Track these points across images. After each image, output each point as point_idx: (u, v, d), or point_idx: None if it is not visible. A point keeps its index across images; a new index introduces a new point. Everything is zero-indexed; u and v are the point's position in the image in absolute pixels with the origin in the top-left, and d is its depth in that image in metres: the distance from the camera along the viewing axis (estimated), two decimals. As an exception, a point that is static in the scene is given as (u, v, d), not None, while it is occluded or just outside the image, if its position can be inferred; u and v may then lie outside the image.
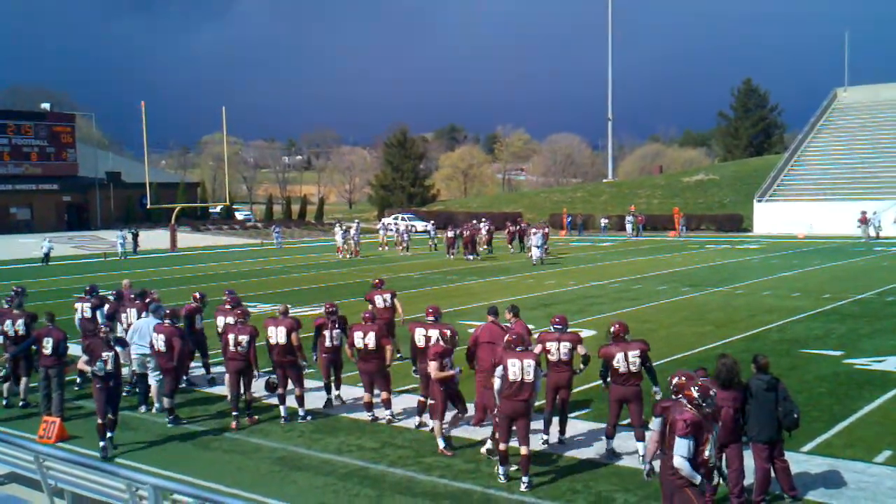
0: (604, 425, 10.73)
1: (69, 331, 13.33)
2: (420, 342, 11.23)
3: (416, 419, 11.43)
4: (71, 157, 65.75)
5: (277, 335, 11.70)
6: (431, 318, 11.38)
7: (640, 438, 9.60)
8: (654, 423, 7.49)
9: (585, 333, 15.87)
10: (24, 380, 13.00)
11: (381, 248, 46.96)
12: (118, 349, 10.88)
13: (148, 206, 55.48)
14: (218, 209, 74.05)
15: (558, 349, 10.23)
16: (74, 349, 14.32)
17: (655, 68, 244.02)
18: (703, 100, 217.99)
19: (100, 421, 10.47)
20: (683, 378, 7.46)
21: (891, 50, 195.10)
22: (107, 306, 14.67)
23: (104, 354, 10.47)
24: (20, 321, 13.13)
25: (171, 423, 11.78)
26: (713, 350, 15.27)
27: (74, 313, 14.92)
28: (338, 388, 12.71)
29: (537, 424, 10.34)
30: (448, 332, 10.51)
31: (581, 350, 10.31)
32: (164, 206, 57.39)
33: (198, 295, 14.61)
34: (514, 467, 9.35)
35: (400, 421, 11.66)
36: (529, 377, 9.00)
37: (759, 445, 8.28)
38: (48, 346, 12.05)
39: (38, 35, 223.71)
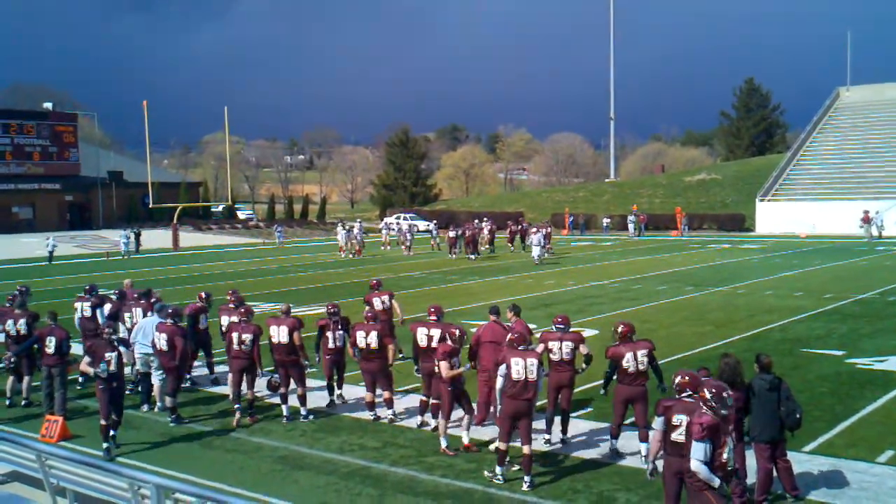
0: (606, 425, 10.74)
1: (70, 330, 13.33)
2: (422, 342, 11.23)
3: (418, 418, 11.44)
4: (73, 157, 65.81)
5: (279, 334, 11.71)
6: (434, 317, 11.39)
7: (644, 439, 9.59)
8: (657, 423, 7.49)
9: (586, 333, 15.89)
10: (26, 378, 13.01)
11: (383, 248, 46.98)
12: (122, 349, 10.89)
13: (150, 206, 55.54)
14: (220, 209, 74.09)
15: (560, 349, 10.23)
16: (76, 348, 14.35)
17: (657, 67, 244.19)
18: (705, 99, 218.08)
19: (103, 422, 10.44)
20: (686, 378, 7.47)
21: (893, 49, 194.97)
22: (109, 305, 14.66)
23: (107, 355, 10.44)
24: (22, 321, 13.15)
25: (174, 422, 11.80)
26: (714, 350, 15.28)
27: (74, 313, 14.92)
28: (340, 387, 12.71)
29: (539, 424, 10.35)
30: (457, 332, 10.47)
31: (583, 349, 10.31)
32: (166, 206, 57.46)
33: (203, 294, 14.63)
34: (515, 467, 9.36)
35: (402, 420, 11.67)
36: (532, 376, 9.01)
37: (762, 445, 8.28)
38: (51, 345, 12.06)
39: (40, 34, 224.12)
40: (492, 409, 10.29)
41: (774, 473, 8.41)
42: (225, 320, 13.37)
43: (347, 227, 43.62)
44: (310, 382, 12.42)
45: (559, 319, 10.54)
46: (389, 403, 11.68)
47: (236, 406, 11.83)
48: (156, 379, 12.53)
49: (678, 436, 7.24)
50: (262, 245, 53.56)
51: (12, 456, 8.80)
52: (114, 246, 49.40)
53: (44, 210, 63.97)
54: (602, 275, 29.87)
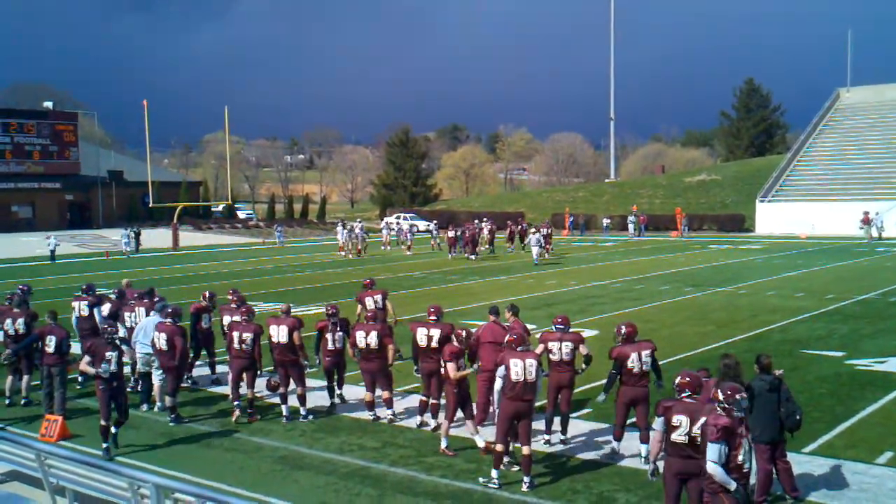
0: (606, 425, 10.74)
1: (69, 330, 13.33)
2: (422, 342, 11.21)
3: (418, 418, 11.43)
4: (73, 156, 65.81)
5: (279, 334, 11.71)
6: (433, 317, 11.38)
7: (645, 441, 9.58)
8: (657, 424, 7.48)
9: (587, 333, 15.88)
10: (25, 378, 13.00)
11: (383, 248, 46.99)
12: (124, 348, 10.86)
13: (150, 205, 55.54)
14: (220, 208, 74.09)
15: (560, 349, 10.22)
16: (76, 348, 14.33)
17: (657, 67, 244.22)
18: (706, 99, 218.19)
19: (103, 422, 10.38)
20: (687, 378, 7.46)
21: (894, 50, 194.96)
22: (108, 305, 14.62)
23: (108, 355, 10.38)
24: (20, 320, 13.13)
25: (173, 421, 11.79)
26: (716, 350, 15.27)
27: (72, 312, 14.87)
28: (340, 387, 12.69)
29: (539, 425, 10.34)
30: (463, 333, 10.42)
31: (583, 350, 10.30)
32: (166, 205, 57.47)
33: (207, 294, 14.61)
34: (515, 468, 9.35)
35: (401, 420, 11.66)
36: (532, 377, 8.99)
37: (762, 446, 8.26)
38: (51, 344, 12.04)
39: (40, 34, 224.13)
40: (491, 409, 10.26)
41: (774, 474, 8.40)
42: (227, 320, 13.36)
43: (348, 228, 43.62)
44: (309, 382, 12.42)
45: (559, 320, 10.53)
46: (389, 403, 11.67)
47: (235, 404, 11.89)
48: (156, 379, 12.53)
49: (678, 436, 7.24)
50: (262, 245, 53.56)
51: (12, 455, 8.79)
52: (114, 245, 49.41)
53: (44, 209, 63.98)
54: (603, 275, 29.87)
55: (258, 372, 12.02)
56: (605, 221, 57.94)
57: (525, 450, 8.99)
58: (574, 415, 11.15)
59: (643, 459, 9.59)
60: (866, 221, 46.23)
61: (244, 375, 11.83)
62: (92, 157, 67.22)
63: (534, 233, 36.02)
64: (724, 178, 69.90)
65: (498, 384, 9.16)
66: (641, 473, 9.29)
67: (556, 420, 10.53)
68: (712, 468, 6.51)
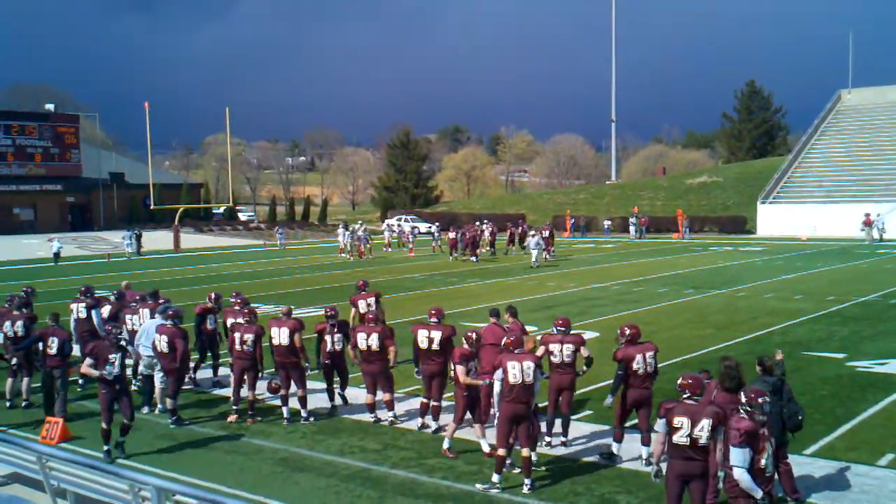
0: (607, 427, 10.74)
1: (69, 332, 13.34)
2: (423, 344, 11.22)
3: (419, 421, 11.43)
4: (75, 158, 65.85)
5: (280, 336, 11.71)
6: (434, 319, 11.38)
7: (646, 443, 9.58)
8: (659, 425, 7.49)
9: (588, 335, 15.87)
10: (26, 380, 13.02)
11: (385, 249, 47.01)
12: (130, 349, 10.83)
13: (151, 207, 55.57)
14: (221, 210, 74.13)
15: (561, 351, 10.22)
16: (75, 350, 14.33)
17: (659, 69, 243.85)
18: (707, 101, 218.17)
19: (104, 426, 10.33)
20: (689, 380, 7.47)
21: (895, 51, 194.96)
22: (107, 307, 14.59)
23: (111, 357, 10.30)
24: (19, 322, 13.13)
25: (174, 424, 11.80)
26: (715, 352, 15.26)
27: (71, 314, 14.78)
28: (343, 388, 12.65)
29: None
30: (473, 335, 10.35)
31: (584, 352, 10.30)
32: (167, 207, 57.49)
33: (213, 295, 14.60)
34: (516, 470, 9.35)
35: (402, 423, 11.66)
36: (530, 379, 8.99)
37: None
38: (53, 346, 12.04)
39: (41, 34, 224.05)
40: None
41: (775, 476, 8.40)
42: (231, 322, 13.39)
43: (350, 230, 43.65)
44: (310, 384, 12.42)
45: (560, 322, 10.53)
46: (390, 405, 11.67)
47: (234, 407, 11.95)
48: (157, 381, 12.53)
49: (680, 438, 7.24)
50: (264, 247, 53.59)
51: (13, 457, 8.81)
52: (115, 248, 49.43)
53: (45, 211, 64.02)
54: (604, 277, 29.87)
55: (260, 374, 12.04)
56: (607, 223, 57.94)
57: (525, 452, 8.99)
58: (575, 417, 11.15)
59: (644, 461, 9.59)
60: (868, 223, 46.23)
61: (246, 377, 11.86)
62: (93, 159, 67.27)
63: (533, 235, 36.03)
64: (726, 179, 69.89)
65: (496, 388, 9.14)
66: (643, 475, 9.30)
67: (557, 422, 10.52)
68: (738, 474, 6.40)
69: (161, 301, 13.86)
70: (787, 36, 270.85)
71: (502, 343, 9.54)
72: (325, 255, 44.25)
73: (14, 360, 12.87)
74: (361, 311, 14.64)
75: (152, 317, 13.28)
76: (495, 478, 9.07)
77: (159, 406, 12.49)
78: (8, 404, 13.07)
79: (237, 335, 11.86)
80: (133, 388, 12.30)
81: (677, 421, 7.27)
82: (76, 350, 13.56)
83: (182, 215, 56.61)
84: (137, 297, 14.70)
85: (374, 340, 11.45)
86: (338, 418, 12.06)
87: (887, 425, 11.07)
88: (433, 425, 11.24)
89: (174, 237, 51.25)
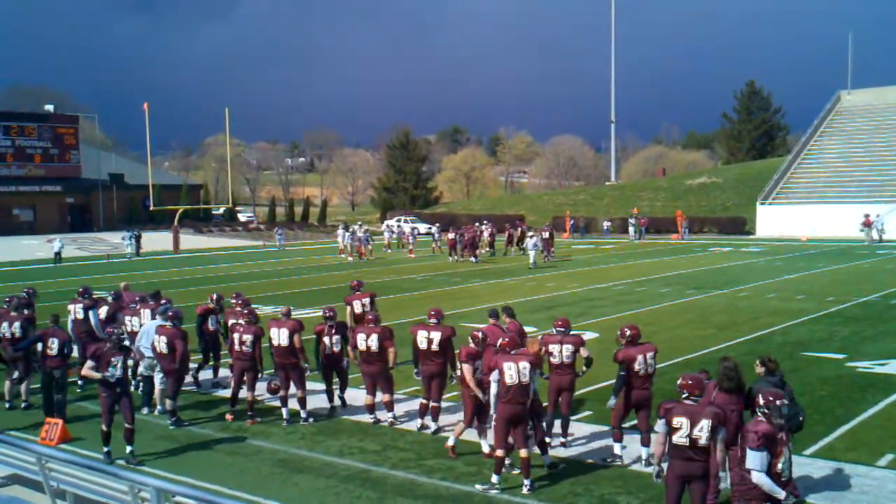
0: (606, 428, 10.72)
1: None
2: (422, 344, 11.21)
3: (419, 421, 11.42)
4: (74, 159, 65.89)
5: (280, 337, 11.70)
6: (434, 320, 11.38)
7: (646, 444, 9.57)
8: (659, 426, 7.48)
9: (588, 336, 15.87)
10: (25, 381, 13.00)
11: (385, 250, 47.01)
12: (133, 348, 10.80)
13: (151, 208, 55.60)
14: (221, 211, 74.15)
15: (561, 351, 10.21)
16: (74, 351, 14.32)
17: (658, 70, 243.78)
18: (707, 102, 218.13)
19: (104, 428, 10.29)
20: (689, 380, 7.46)
21: (894, 51, 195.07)
22: (105, 308, 14.54)
23: (113, 359, 10.23)
24: (17, 323, 13.11)
25: (174, 425, 11.79)
26: (716, 353, 15.25)
27: (69, 315, 14.72)
28: (342, 390, 12.62)
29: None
30: (480, 335, 10.28)
31: (584, 353, 10.28)
32: (167, 208, 57.52)
33: (214, 296, 14.60)
34: (515, 471, 9.34)
35: (402, 423, 11.65)
36: (526, 379, 8.97)
37: None
38: (53, 346, 12.02)
39: (40, 34, 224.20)
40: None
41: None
42: (231, 322, 13.39)
43: (350, 231, 43.65)
44: (310, 385, 12.41)
45: (559, 322, 10.52)
46: (389, 406, 11.66)
47: (232, 407, 12.02)
48: (157, 382, 12.52)
49: (679, 438, 7.24)
50: (263, 248, 53.59)
51: (12, 458, 8.80)
52: (114, 248, 49.43)
53: (44, 212, 64.04)
54: (604, 278, 29.87)
55: (259, 374, 12.04)
56: (606, 224, 57.96)
57: (523, 452, 8.98)
58: (574, 417, 11.15)
59: (645, 462, 9.58)
60: (867, 224, 46.23)
61: (245, 377, 11.87)
62: (93, 160, 67.28)
63: (531, 236, 36.04)
64: (725, 180, 69.92)
65: (493, 389, 9.12)
66: (643, 476, 9.29)
67: (557, 423, 10.52)
68: (757, 477, 6.31)
69: (163, 302, 13.83)
70: (786, 36, 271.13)
71: (497, 344, 9.53)
72: (324, 256, 44.23)
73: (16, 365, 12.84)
74: (357, 311, 14.63)
75: (153, 318, 13.25)
76: (494, 478, 9.05)
77: (159, 407, 12.48)
78: (7, 405, 13.06)
79: (236, 336, 11.89)
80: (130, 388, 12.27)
81: (676, 421, 7.26)
82: (75, 351, 13.55)
83: (181, 216, 56.63)
84: (137, 298, 14.66)
85: (373, 341, 11.44)
86: (337, 419, 12.05)
87: (887, 426, 11.06)
88: (432, 426, 11.23)
89: (174, 238, 51.25)
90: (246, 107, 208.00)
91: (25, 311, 13.94)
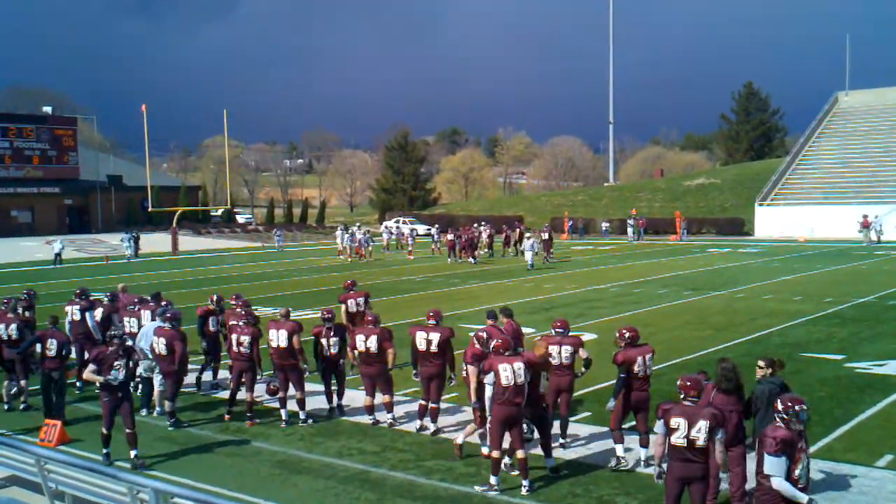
0: (605, 429, 10.73)
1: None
2: (421, 346, 11.21)
3: (418, 422, 11.42)
4: (72, 161, 65.80)
5: (279, 338, 11.71)
6: (433, 321, 11.38)
7: (645, 445, 9.57)
8: (658, 427, 7.49)
9: (586, 337, 15.90)
10: (23, 382, 13.00)
11: (384, 251, 47.01)
12: (137, 347, 10.78)
13: (149, 210, 55.53)
14: (219, 212, 74.10)
15: (560, 353, 10.21)
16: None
17: (656, 71, 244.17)
18: (705, 103, 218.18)
19: (105, 431, 10.27)
20: (688, 382, 7.47)
21: (892, 53, 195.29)
22: (100, 310, 14.52)
23: (116, 363, 10.19)
24: (13, 325, 13.09)
25: (173, 426, 11.79)
26: (714, 354, 15.26)
27: (66, 317, 14.67)
28: (340, 396, 12.51)
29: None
30: (484, 335, 10.26)
31: (583, 354, 10.29)
32: (165, 210, 57.46)
33: (215, 297, 14.59)
34: (515, 472, 9.34)
35: (401, 424, 11.65)
36: (521, 380, 8.98)
37: None
38: (52, 348, 12.02)
39: (41, 35, 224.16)
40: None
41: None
42: (231, 323, 13.38)
43: (349, 232, 43.63)
44: (309, 386, 12.40)
45: (558, 323, 10.52)
46: (389, 407, 11.66)
47: (229, 407, 12.06)
48: (156, 383, 12.51)
49: (677, 439, 7.25)
50: (262, 249, 53.57)
51: (11, 460, 8.79)
52: (113, 250, 49.37)
53: (43, 214, 63.95)
54: (602, 279, 29.88)
55: (258, 375, 12.04)
56: (604, 225, 57.98)
57: (520, 453, 8.98)
58: (573, 418, 11.15)
59: (644, 463, 9.59)
60: (865, 225, 46.26)
61: (244, 378, 11.87)
62: (91, 161, 67.21)
63: (528, 237, 36.04)
64: (724, 181, 69.97)
65: (488, 392, 9.11)
66: (642, 477, 9.30)
67: (556, 423, 10.51)
68: (777, 483, 6.23)
69: (163, 303, 13.81)
70: (784, 38, 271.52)
71: (490, 346, 9.53)
72: (322, 258, 44.21)
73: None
74: (351, 310, 14.62)
75: (153, 319, 13.24)
76: (493, 480, 9.05)
77: (157, 408, 12.47)
78: (6, 407, 13.05)
79: (234, 337, 11.90)
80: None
81: (674, 422, 7.27)
82: (73, 352, 13.54)
83: (180, 218, 56.55)
84: (136, 300, 14.63)
85: (372, 342, 11.44)
86: (336, 420, 12.05)
87: (886, 426, 11.08)
88: (431, 427, 11.23)
89: (172, 239, 51.19)
90: (244, 107, 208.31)
91: (27, 314, 13.95)
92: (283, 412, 11.88)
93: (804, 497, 6.23)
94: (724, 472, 7.57)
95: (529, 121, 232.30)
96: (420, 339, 11.23)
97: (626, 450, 9.74)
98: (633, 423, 9.84)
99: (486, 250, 41.52)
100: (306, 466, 10.09)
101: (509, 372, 8.96)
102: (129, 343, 10.80)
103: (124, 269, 38.73)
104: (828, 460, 9.69)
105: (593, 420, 11.56)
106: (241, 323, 12.13)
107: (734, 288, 26.22)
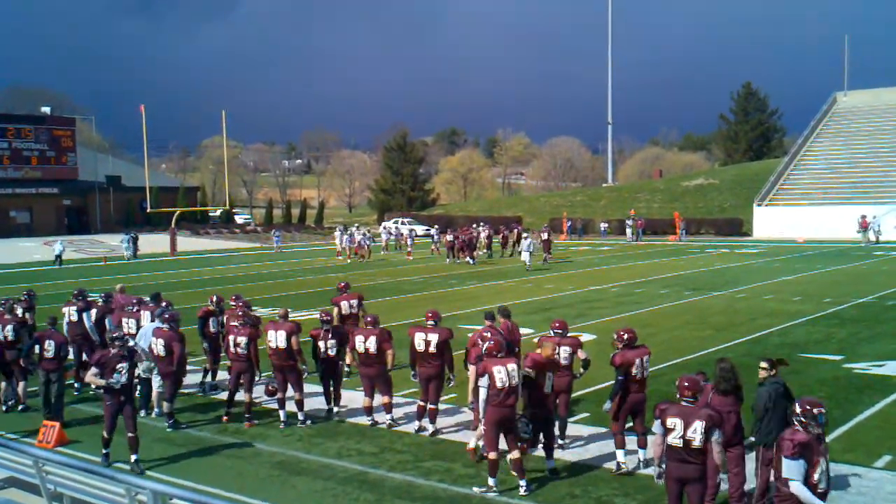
0: (604, 429, 10.72)
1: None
2: (420, 347, 11.20)
3: (416, 423, 11.41)
4: (71, 161, 65.77)
5: (277, 339, 11.70)
6: (431, 322, 11.37)
7: (643, 446, 9.56)
8: (656, 427, 7.48)
9: (586, 338, 15.89)
10: (21, 383, 12.97)
11: (383, 252, 47.00)
12: (138, 348, 10.75)
13: (148, 210, 55.50)
14: (218, 213, 74.07)
15: (558, 353, 10.19)
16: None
17: (655, 71, 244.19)
18: (704, 103, 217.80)
19: (105, 434, 10.23)
20: (686, 382, 7.46)
21: (891, 53, 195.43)
22: (94, 311, 14.44)
23: (118, 366, 10.13)
24: (9, 327, 13.06)
25: (171, 427, 11.77)
26: (714, 354, 15.24)
27: (63, 318, 14.58)
28: (337, 402, 12.46)
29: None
30: (488, 335, 10.23)
31: (581, 354, 10.27)
32: (164, 210, 57.44)
33: (215, 298, 14.55)
34: (514, 473, 9.33)
35: (400, 425, 11.64)
36: (515, 381, 8.97)
37: (768, 451, 8.20)
38: (50, 349, 12.00)
39: (41, 35, 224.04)
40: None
41: (772, 478, 8.37)
42: (231, 324, 13.37)
43: (349, 233, 43.60)
44: (308, 387, 12.39)
45: (557, 324, 10.51)
46: (388, 408, 11.64)
47: (227, 408, 12.05)
48: (155, 384, 12.49)
49: (673, 440, 7.24)
50: (260, 250, 53.55)
51: (9, 462, 8.76)
52: (112, 251, 49.34)
53: (41, 214, 63.90)
54: (601, 279, 29.87)
55: (256, 376, 12.02)
56: (603, 226, 58.03)
57: (515, 454, 8.97)
58: (572, 419, 11.14)
59: (643, 464, 9.58)
60: (864, 225, 46.30)
61: (242, 379, 11.86)
62: (90, 162, 67.18)
63: (525, 238, 36.04)
64: (722, 182, 70.00)
65: (482, 394, 9.08)
66: (640, 478, 9.29)
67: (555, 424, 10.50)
68: (795, 487, 6.16)
69: (163, 304, 13.78)
70: (783, 38, 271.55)
71: (483, 349, 9.51)
72: (330, 258, 44.20)
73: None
74: (344, 312, 14.60)
75: (153, 320, 13.22)
76: (491, 481, 9.04)
77: (156, 409, 12.46)
78: (4, 408, 13.03)
79: (231, 337, 11.89)
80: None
81: (670, 422, 7.26)
82: (71, 354, 13.51)
83: (178, 218, 56.53)
84: (135, 301, 14.60)
85: (371, 343, 11.43)
86: (335, 421, 12.03)
87: (884, 427, 11.08)
88: (430, 428, 11.22)
89: (171, 240, 51.17)
90: (243, 108, 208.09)
91: (26, 315, 13.91)
92: (281, 413, 11.87)
93: (819, 502, 6.15)
94: (723, 473, 7.54)
95: (528, 121, 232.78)
96: (419, 339, 11.21)
97: (628, 453, 9.68)
98: (631, 424, 9.81)
99: (484, 251, 41.53)
100: (305, 467, 10.08)
101: (504, 374, 8.95)
102: (131, 344, 10.75)
103: (123, 270, 38.71)
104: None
105: (592, 421, 11.55)
106: (238, 323, 12.11)
107: (734, 288, 26.23)
